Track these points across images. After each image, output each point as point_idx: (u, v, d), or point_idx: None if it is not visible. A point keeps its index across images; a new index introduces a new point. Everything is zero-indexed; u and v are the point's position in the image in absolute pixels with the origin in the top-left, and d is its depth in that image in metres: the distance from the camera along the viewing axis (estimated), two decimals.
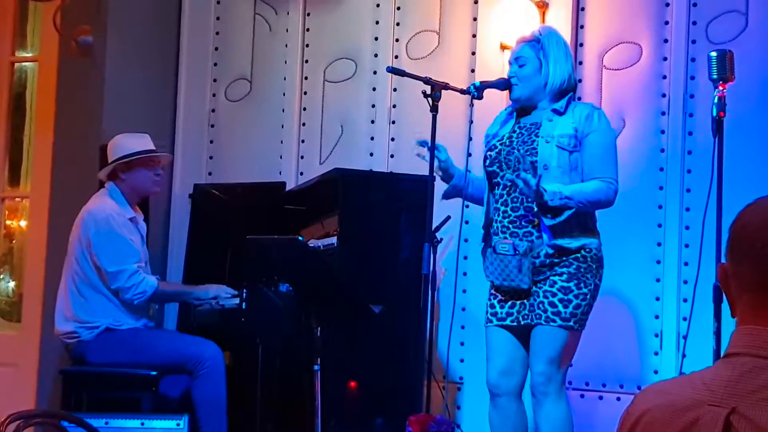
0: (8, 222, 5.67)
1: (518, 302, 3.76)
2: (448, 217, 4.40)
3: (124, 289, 4.41)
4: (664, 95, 4.53)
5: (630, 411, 1.43)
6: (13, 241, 5.70)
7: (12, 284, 5.66)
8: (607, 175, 3.73)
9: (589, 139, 3.74)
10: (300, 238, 4.19)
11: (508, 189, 3.78)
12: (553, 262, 3.71)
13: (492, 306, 3.83)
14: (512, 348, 3.81)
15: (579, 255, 3.72)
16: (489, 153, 3.85)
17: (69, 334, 4.49)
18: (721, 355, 1.39)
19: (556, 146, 3.72)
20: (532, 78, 3.81)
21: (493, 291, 3.85)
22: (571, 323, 3.69)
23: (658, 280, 4.47)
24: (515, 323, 3.77)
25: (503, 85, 3.89)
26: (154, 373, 4.33)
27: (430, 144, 3.78)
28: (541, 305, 3.70)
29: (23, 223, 5.59)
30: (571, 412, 3.80)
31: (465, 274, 4.62)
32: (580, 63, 4.71)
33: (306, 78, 5.31)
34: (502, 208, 3.80)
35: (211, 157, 5.50)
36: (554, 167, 3.71)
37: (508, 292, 3.79)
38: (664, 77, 4.54)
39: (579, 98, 4.70)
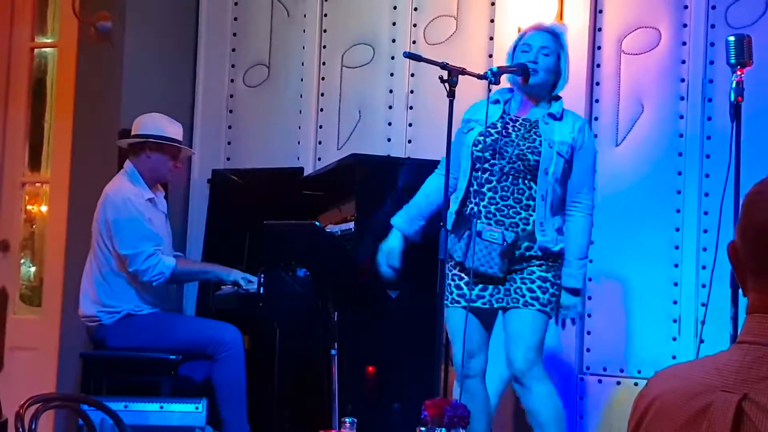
0: (29, 207, 5.71)
1: (490, 286, 3.78)
2: None
3: (141, 272, 4.42)
4: (683, 80, 4.51)
5: (643, 395, 1.43)
6: (34, 226, 5.74)
7: (33, 269, 5.70)
8: (589, 198, 3.84)
9: (580, 153, 3.82)
10: (317, 223, 4.20)
11: (498, 177, 3.79)
12: (532, 256, 3.77)
13: (458, 287, 3.81)
14: (477, 330, 3.83)
15: (558, 256, 3.80)
16: (481, 138, 3.81)
17: (91, 318, 4.52)
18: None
19: (557, 153, 3.77)
20: (551, 70, 3.83)
21: (456, 271, 3.83)
22: (548, 309, 3.74)
23: (676, 266, 4.46)
24: (487, 305, 3.78)
25: (521, 70, 3.87)
26: (173, 356, 4.36)
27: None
28: (518, 290, 3.74)
29: (44, 208, 5.63)
30: None
31: None
32: (599, 48, 4.69)
33: (324, 63, 5.31)
34: (489, 194, 3.79)
35: (229, 143, 5.52)
36: (551, 173, 3.76)
37: (477, 275, 3.79)
38: (683, 62, 4.52)
39: (597, 83, 4.70)
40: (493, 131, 3.83)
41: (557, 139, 3.79)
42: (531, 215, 3.77)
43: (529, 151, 3.77)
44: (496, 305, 3.77)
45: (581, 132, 3.83)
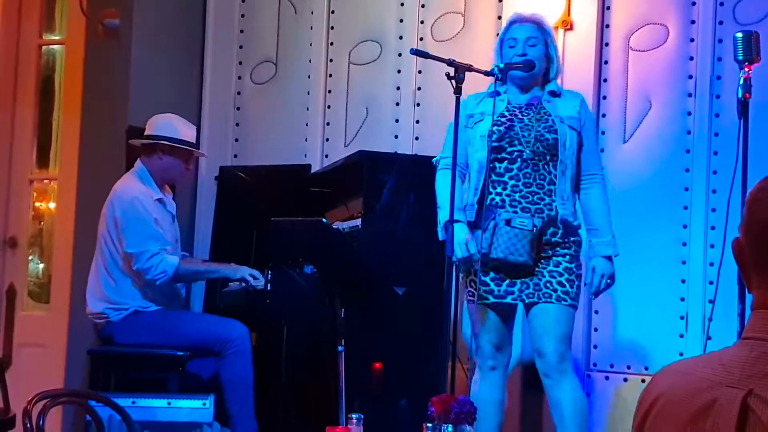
0: (37, 204, 5.72)
1: (518, 280, 3.78)
2: None
3: (145, 270, 4.42)
4: (690, 77, 4.50)
5: (648, 391, 1.43)
6: (42, 223, 5.75)
7: (41, 266, 5.72)
8: (600, 170, 3.95)
9: (587, 128, 3.90)
10: (324, 220, 4.21)
11: (519, 164, 3.81)
12: (557, 242, 3.80)
13: (484, 284, 3.80)
14: (503, 325, 3.87)
15: (577, 238, 3.85)
16: (496, 128, 3.83)
17: (98, 315, 4.53)
18: None
19: (568, 126, 3.83)
20: (540, 60, 3.90)
21: (480, 267, 3.83)
22: (576, 302, 3.81)
23: (683, 263, 4.45)
24: (517, 301, 3.80)
25: (527, 66, 3.89)
26: (181, 353, 4.37)
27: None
28: (548, 284, 3.75)
29: (52, 205, 5.64)
30: None
31: None
32: (607, 44, 4.69)
33: (331, 60, 5.31)
34: (511, 182, 3.81)
35: (236, 140, 5.52)
36: (569, 146, 3.81)
37: (503, 269, 3.79)
38: (691, 59, 4.51)
39: (605, 80, 4.69)
40: (506, 120, 3.86)
41: (564, 114, 3.86)
42: (554, 200, 3.80)
43: (546, 130, 3.82)
44: (527, 300, 3.78)
45: (583, 106, 3.92)
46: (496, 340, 3.86)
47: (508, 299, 3.81)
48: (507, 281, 3.80)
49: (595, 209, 3.87)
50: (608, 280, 3.86)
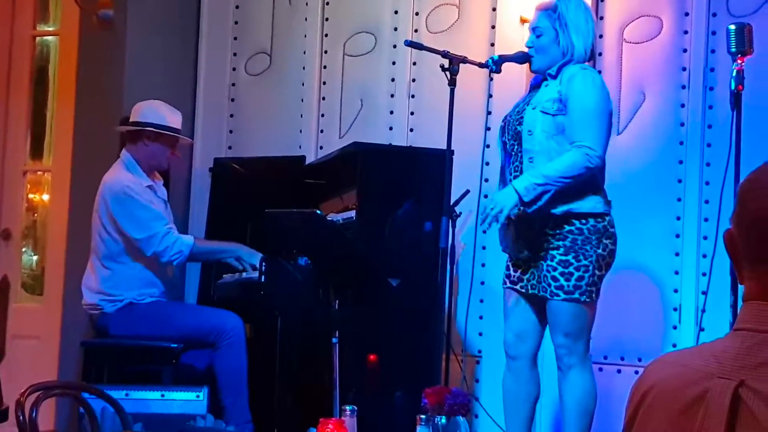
0: (31, 195, 5.72)
1: (528, 271, 3.80)
2: (467, 191, 4.40)
3: (160, 253, 4.41)
4: (684, 69, 4.50)
5: (640, 382, 1.44)
6: (36, 215, 5.75)
7: (35, 257, 5.71)
8: (585, 140, 3.64)
9: (571, 101, 3.68)
10: (318, 211, 4.21)
11: (513, 158, 3.82)
12: (549, 233, 3.71)
13: (507, 268, 3.88)
14: (525, 313, 3.86)
15: (573, 228, 3.69)
16: (501, 125, 3.89)
17: (93, 306, 4.53)
18: None
19: (540, 111, 3.71)
20: (548, 48, 3.80)
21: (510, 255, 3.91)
22: (576, 296, 3.69)
23: (677, 254, 4.46)
24: (524, 290, 3.82)
25: (522, 58, 3.88)
26: (175, 345, 4.37)
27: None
28: (545, 278, 3.73)
29: (46, 197, 5.63)
30: (595, 384, 3.82)
31: (484, 248, 4.63)
32: (601, 36, 4.68)
33: (326, 52, 5.31)
34: (510, 177, 3.84)
35: (231, 131, 5.52)
36: (538, 132, 3.71)
37: (517, 260, 3.83)
38: (685, 51, 4.51)
39: (599, 71, 4.68)
40: (509, 117, 3.88)
41: (545, 98, 3.73)
42: None
43: (517, 122, 3.79)
44: (530, 291, 3.80)
45: (571, 81, 3.70)
46: (516, 327, 3.86)
47: (518, 286, 3.83)
48: (522, 269, 3.82)
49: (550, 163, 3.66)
50: (494, 206, 3.63)
